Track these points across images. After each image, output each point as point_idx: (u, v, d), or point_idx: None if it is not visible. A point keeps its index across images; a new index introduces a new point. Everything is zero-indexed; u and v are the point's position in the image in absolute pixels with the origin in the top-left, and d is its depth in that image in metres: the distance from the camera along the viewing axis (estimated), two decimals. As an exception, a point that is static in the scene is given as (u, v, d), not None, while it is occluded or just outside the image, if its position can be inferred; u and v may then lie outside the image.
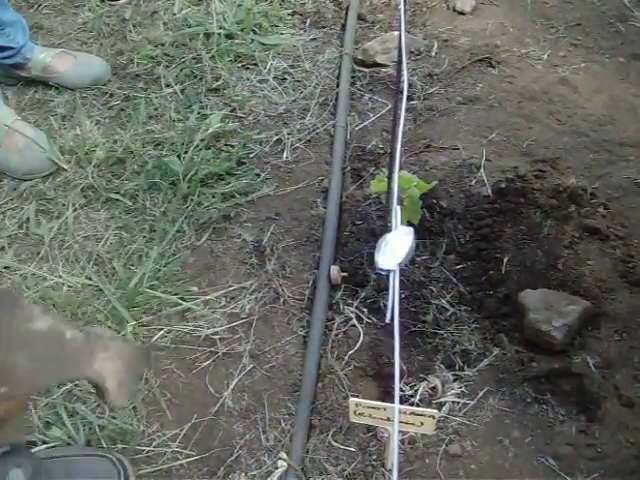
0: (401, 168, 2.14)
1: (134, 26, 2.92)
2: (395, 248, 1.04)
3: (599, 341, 1.83)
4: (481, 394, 1.74)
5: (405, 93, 1.32)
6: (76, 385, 1.79)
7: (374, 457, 1.64)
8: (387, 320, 0.94)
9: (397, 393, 0.89)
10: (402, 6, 1.43)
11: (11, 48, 2.54)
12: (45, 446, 1.68)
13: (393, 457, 0.83)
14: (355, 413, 1.37)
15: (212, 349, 1.87)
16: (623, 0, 2.95)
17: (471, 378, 1.77)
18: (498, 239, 2.02)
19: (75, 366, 1.18)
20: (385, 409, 1.33)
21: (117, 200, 2.25)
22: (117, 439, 1.70)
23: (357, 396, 1.73)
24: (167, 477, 1.66)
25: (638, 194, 2.18)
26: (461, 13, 2.94)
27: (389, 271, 1.02)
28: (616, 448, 1.63)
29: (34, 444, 1.68)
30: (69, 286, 2.02)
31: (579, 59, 2.70)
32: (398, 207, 1.10)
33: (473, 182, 2.21)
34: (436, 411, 1.31)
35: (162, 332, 1.91)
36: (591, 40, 2.80)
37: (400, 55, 1.44)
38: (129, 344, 1.28)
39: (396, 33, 2.76)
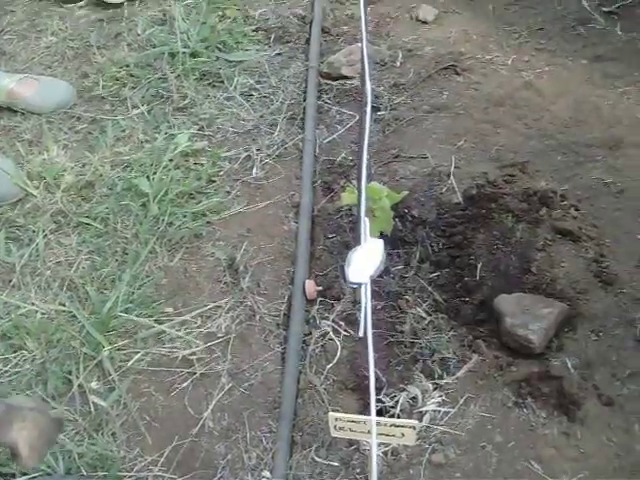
0: (371, 179, 2.15)
1: (98, 48, 2.91)
2: (365, 261, 1.04)
3: (576, 342, 1.83)
4: (462, 401, 1.73)
5: (369, 105, 1.31)
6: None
7: (358, 471, 1.63)
8: (360, 334, 0.93)
9: (373, 406, 0.89)
10: (363, 18, 1.43)
11: (-26, 75, 2.51)
12: (25, 478, 1.65)
13: (372, 470, 0.82)
14: (335, 428, 1.36)
15: (190, 370, 1.85)
16: (583, 4, 2.98)
17: (451, 386, 1.76)
18: (471, 245, 2.02)
19: None
20: (365, 422, 1.32)
21: (88, 224, 2.22)
22: (97, 466, 1.68)
23: (338, 410, 1.72)
24: (149, 503, 1.64)
25: (607, 194, 2.19)
26: (424, 22, 2.96)
27: (360, 284, 1.01)
28: (599, 448, 1.63)
29: (13, 476, 1.66)
30: (42, 313, 2.00)
31: (543, 63, 2.72)
32: (366, 219, 1.09)
33: (443, 190, 2.22)
34: (416, 421, 1.29)
35: (139, 355, 1.88)
36: (554, 44, 2.83)
37: (364, 67, 1.44)
38: (44, 414, 1.39)
39: (360, 45, 2.76)
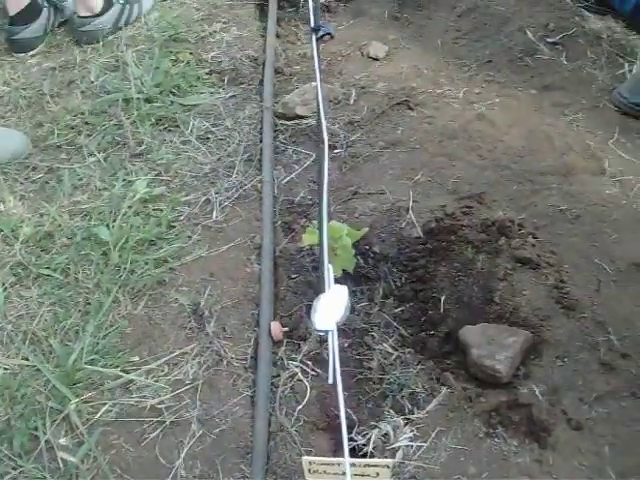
0: (330, 217, 2.16)
1: (51, 96, 2.90)
2: (331, 307, 1.05)
3: (543, 369, 1.86)
4: (433, 435, 1.74)
5: (327, 145, 1.33)
6: (21, 472, 1.73)
7: (334, 512, 1.63)
8: (329, 381, 0.94)
9: (346, 449, 0.89)
10: (316, 58, 1.45)
11: None
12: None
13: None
14: (310, 471, 1.36)
15: (159, 419, 1.83)
16: (528, 36, 3.05)
17: (422, 420, 1.77)
18: (433, 279, 2.04)
19: None
20: (339, 464, 1.32)
21: (48, 275, 2.20)
22: (69, 524, 1.65)
23: (310, 451, 1.72)
24: None
25: (564, 220, 2.24)
26: (375, 59, 3.00)
27: (327, 331, 1.02)
28: (571, 473, 1.65)
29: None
30: (5, 368, 1.96)
31: (493, 94, 2.78)
32: (330, 266, 1.10)
33: (403, 225, 2.24)
34: (390, 460, 1.31)
35: (106, 407, 1.86)
36: (503, 75, 2.89)
37: (319, 107, 1.46)
38: None
39: (314, 84, 2.80)
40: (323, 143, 1.56)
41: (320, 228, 1.19)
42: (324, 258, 1.08)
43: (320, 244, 1.21)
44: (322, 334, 1.02)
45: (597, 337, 1.92)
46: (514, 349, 1.82)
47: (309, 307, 2.03)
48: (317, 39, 1.22)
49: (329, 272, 1.08)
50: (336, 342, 0.98)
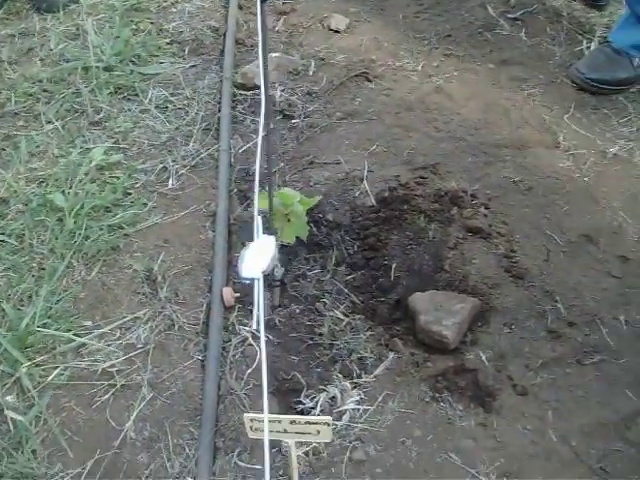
0: (285, 185, 2.17)
1: (10, 63, 2.87)
2: (258, 257, 1.06)
3: (490, 335, 1.90)
4: (380, 399, 1.77)
5: (263, 109, 1.34)
6: (-27, 433, 1.75)
7: (280, 472, 1.65)
8: (253, 328, 0.96)
9: (265, 401, 0.91)
10: (259, 19, 1.44)
11: None
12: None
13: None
14: (252, 429, 1.38)
15: (110, 382, 1.84)
16: (489, 11, 3.07)
17: (369, 384, 1.80)
18: (385, 247, 2.06)
19: None
20: (280, 421, 1.34)
21: (3, 241, 2.19)
22: (18, 484, 1.66)
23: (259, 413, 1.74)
24: (73, 517, 1.63)
25: (516, 192, 2.27)
26: (336, 31, 3.01)
27: (253, 279, 1.04)
28: (514, 436, 1.70)
29: None
30: (-43, 333, 1.97)
31: (452, 68, 2.80)
32: (259, 217, 1.12)
33: (357, 194, 2.26)
34: (329, 417, 1.33)
35: (58, 370, 1.86)
36: (462, 49, 2.91)
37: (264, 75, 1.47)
38: None
39: (274, 55, 2.80)
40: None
41: (259, 180, 1.20)
42: (255, 209, 1.10)
43: (257, 191, 1.22)
44: (248, 282, 1.03)
45: (545, 305, 1.96)
46: (461, 315, 1.85)
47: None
48: (262, 1, 1.22)
49: (258, 223, 1.09)
50: (262, 290, 1.00)
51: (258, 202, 1.52)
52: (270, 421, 1.36)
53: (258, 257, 1.07)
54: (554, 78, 2.76)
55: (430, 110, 2.59)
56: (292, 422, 1.34)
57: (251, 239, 1.09)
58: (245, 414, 1.35)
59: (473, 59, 2.86)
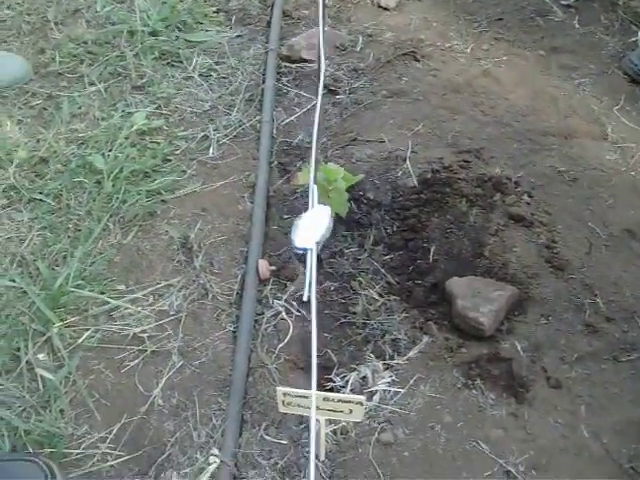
0: (328, 161, 2.14)
1: (56, 24, 2.86)
2: (312, 227, 1.04)
3: (526, 325, 1.86)
4: (412, 382, 1.75)
5: (322, 81, 1.31)
6: (0, 390, 1.74)
7: (307, 449, 1.63)
8: (304, 299, 0.93)
9: (314, 380, 0.89)
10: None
11: None
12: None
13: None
14: (284, 403, 1.36)
15: (140, 347, 1.84)
16: (542, -4, 3.02)
17: (401, 366, 1.77)
18: (425, 229, 2.03)
19: None
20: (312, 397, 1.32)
21: (40, 200, 2.19)
22: (44, 443, 1.65)
23: (288, 388, 1.72)
24: (97, 479, 1.62)
25: (561, 182, 2.23)
26: (385, 9, 2.96)
27: (306, 249, 1.01)
28: (545, 429, 1.66)
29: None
30: (-9, 289, 1.97)
31: (501, 52, 2.75)
32: (315, 186, 1.09)
33: (399, 174, 2.23)
34: (363, 397, 1.30)
35: (89, 332, 1.86)
36: (513, 34, 2.85)
37: (320, 51, 1.44)
38: None
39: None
40: (320, 87, 1.54)
41: (313, 153, 1.18)
42: (311, 179, 1.07)
43: (310, 164, 1.19)
44: (300, 252, 1.01)
45: (583, 299, 1.92)
46: (499, 303, 1.82)
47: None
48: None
49: (313, 192, 1.07)
50: (314, 260, 0.98)
51: (308, 174, 1.49)
52: (301, 396, 1.34)
53: (312, 227, 1.04)
54: (605, 68, 2.70)
55: (477, 93, 2.54)
56: (325, 399, 1.33)
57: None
58: (278, 388, 1.33)
59: (523, 44, 2.80)
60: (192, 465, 1.62)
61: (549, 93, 2.57)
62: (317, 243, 1.03)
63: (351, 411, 1.35)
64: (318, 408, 1.35)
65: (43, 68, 2.68)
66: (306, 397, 1.33)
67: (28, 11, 2.94)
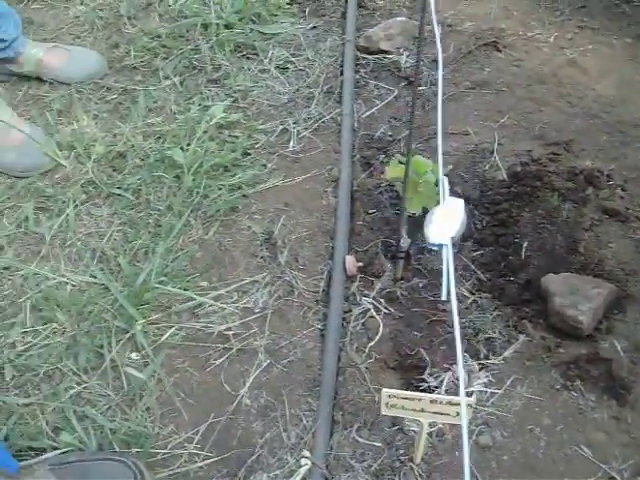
0: (413, 154, 2.08)
1: (129, 18, 2.84)
2: (446, 221, 0.98)
3: (626, 324, 1.78)
4: (509, 382, 1.68)
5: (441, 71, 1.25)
6: (85, 388, 1.72)
7: (401, 452, 1.58)
8: (443, 298, 0.88)
9: (462, 381, 0.83)
10: None
11: (3, 40, 2.45)
12: (56, 452, 1.60)
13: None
14: (387, 405, 1.31)
15: (226, 345, 1.80)
16: (628, -19, 2.91)
17: (497, 367, 1.71)
18: (516, 224, 1.96)
19: None
20: (420, 400, 1.27)
21: (119, 195, 2.17)
22: (130, 442, 1.63)
23: (379, 389, 1.66)
24: (185, 480, 1.59)
25: (654, 175, 2.14)
26: (464, -3, 2.89)
27: (441, 245, 0.96)
28: (650, 434, 1.58)
29: (44, 450, 1.61)
30: (73, 285, 1.95)
31: (586, 41, 2.66)
32: (445, 178, 1.03)
33: (487, 167, 2.16)
34: (473, 399, 1.25)
35: (173, 330, 1.83)
36: (597, 22, 2.76)
37: (420, 45, 1.38)
38: None
39: (399, 19, 2.71)
40: (413, 80, 1.47)
41: (409, 145, 1.11)
42: (439, 170, 1.01)
43: (407, 167, 1.13)
44: (435, 248, 0.95)
45: (685, 297, 1.83)
46: (598, 301, 1.74)
47: (385, 244, 1.97)
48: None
49: (444, 184, 1.01)
50: (451, 257, 0.92)
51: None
52: (408, 398, 1.29)
53: (447, 221, 0.98)
54: (693, 55, 2.59)
55: (563, 84, 2.46)
56: (432, 401, 1.27)
57: None
58: (383, 390, 1.28)
59: (609, 32, 2.70)
60: (282, 467, 1.59)
61: (638, 82, 2.47)
62: (452, 238, 0.97)
63: (458, 414, 1.30)
64: (424, 410, 1.30)
65: (118, 63, 2.67)
66: (412, 399, 1.28)
67: (101, 6, 2.93)
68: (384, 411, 1.32)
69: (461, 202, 1.06)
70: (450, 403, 1.26)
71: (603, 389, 1.67)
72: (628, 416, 1.62)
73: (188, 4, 2.85)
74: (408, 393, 1.26)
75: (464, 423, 0.82)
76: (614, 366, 1.68)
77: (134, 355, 1.77)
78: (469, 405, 1.26)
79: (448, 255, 0.94)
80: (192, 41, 2.69)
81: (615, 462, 1.55)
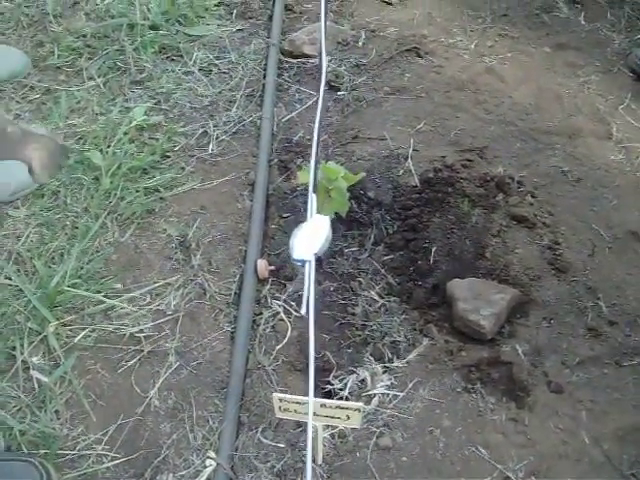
0: (328, 159, 2.12)
1: (55, 17, 2.83)
2: (311, 238, 1.01)
3: (528, 329, 1.83)
4: (411, 385, 1.72)
5: (323, 82, 1.28)
6: (-6, 390, 1.73)
7: (304, 453, 1.61)
8: (302, 312, 0.91)
9: (311, 386, 0.87)
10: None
11: None
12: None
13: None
14: (280, 409, 1.34)
15: (137, 347, 1.82)
16: (548, -9, 2.98)
17: (401, 369, 1.75)
18: (426, 229, 2.01)
19: (12, 151, 2.12)
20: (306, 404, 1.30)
21: (37, 196, 2.16)
22: (39, 444, 1.63)
23: (286, 391, 1.70)
24: (92, 481, 1.60)
25: (564, 182, 2.20)
26: (389, 3, 2.94)
27: (304, 261, 0.99)
28: (546, 434, 1.64)
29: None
30: (-13, 287, 1.94)
31: (506, 49, 2.72)
32: (314, 195, 1.06)
33: (401, 172, 2.20)
34: (361, 404, 1.28)
35: (85, 331, 1.84)
36: (517, 30, 2.83)
37: (322, 47, 1.41)
38: (54, 141, 2.10)
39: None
40: (323, 84, 1.51)
41: (314, 155, 1.15)
42: (309, 186, 1.04)
43: (311, 170, 1.16)
44: (299, 264, 0.98)
45: (586, 302, 1.89)
46: (500, 306, 1.79)
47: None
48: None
49: (312, 202, 1.04)
50: (312, 273, 0.95)
51: (308, 178, 1.46)
52: (299, 403, 1.32)
53: (311, 238, 1.01)
54: (611, 66, 2.67)
55: (481, 91, 2.51)
56: (322, 405, 1.30)
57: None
58: (274, 394, 1.31)
59: (528, 41, 2.77)
60: (188, 468, 1.61)
61: (554, 91, 2.54)
62: (315, 254, 1.00)
63: (349, 417, 1.33)
64: (315, 414, 1.33)
65: (42, 62, 2.65)
66: (302, 403, 1.31)
67: (27, 3, 2.91)
68: (278, 415, 1.35)
69: (327, 219, 1.09)
70: (339, 407, 1.30)
71: (503, 392, 1.71)
72: (526, 418, 1.67)
73: (115, 4, 2.86)
74: (298, 397, 1.29)
75: (310, 425, 0.85)
76: (514, 369, 1.73)
77: (35, 359, 1.77)
78: (357, 409, 1.29)
79: (311, 271, 0.97)
80: (117, 42, 2.69)
81: (511, 462, 1.59)
